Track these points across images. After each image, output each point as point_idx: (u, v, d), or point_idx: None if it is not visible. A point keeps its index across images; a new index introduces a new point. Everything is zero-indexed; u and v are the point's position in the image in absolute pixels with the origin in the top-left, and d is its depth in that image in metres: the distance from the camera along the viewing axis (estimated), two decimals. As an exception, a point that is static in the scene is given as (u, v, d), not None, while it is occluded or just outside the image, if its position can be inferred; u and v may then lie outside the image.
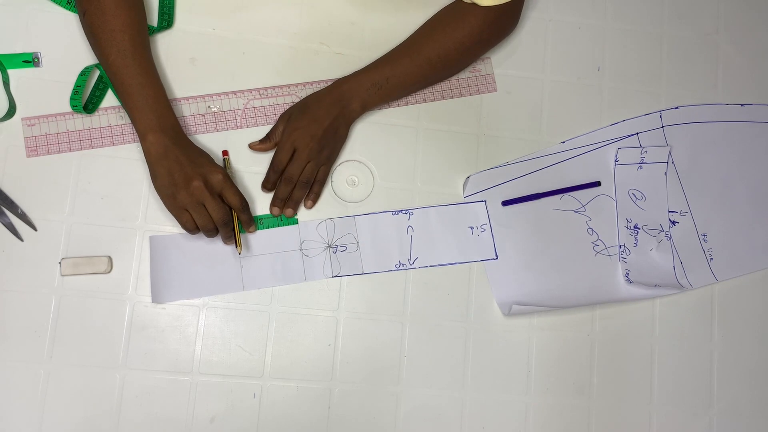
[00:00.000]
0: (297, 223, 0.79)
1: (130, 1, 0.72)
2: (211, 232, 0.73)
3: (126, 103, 0.72)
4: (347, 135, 0.81)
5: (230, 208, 0.74)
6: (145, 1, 0.79)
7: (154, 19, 0.80)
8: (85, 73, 0.78)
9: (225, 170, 0.73)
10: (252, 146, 0.79)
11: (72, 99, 0.77)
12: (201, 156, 0.73)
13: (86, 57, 0.78)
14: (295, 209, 0.79)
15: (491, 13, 0.77)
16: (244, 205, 0.74)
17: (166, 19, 0.80)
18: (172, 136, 0.72)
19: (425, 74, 0.80)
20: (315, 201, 0.80)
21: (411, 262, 0.80)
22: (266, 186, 0.79)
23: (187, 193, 0.71)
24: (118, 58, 0.71)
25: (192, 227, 0.73)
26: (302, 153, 0.77)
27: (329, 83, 0.81)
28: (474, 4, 0.76)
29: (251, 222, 0.76)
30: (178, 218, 0.73)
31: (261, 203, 0.79)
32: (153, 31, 0.80)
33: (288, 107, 0.80)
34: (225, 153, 0.79)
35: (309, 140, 0.76)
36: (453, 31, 0.78)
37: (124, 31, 0.71)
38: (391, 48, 0.80)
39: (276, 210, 0.78)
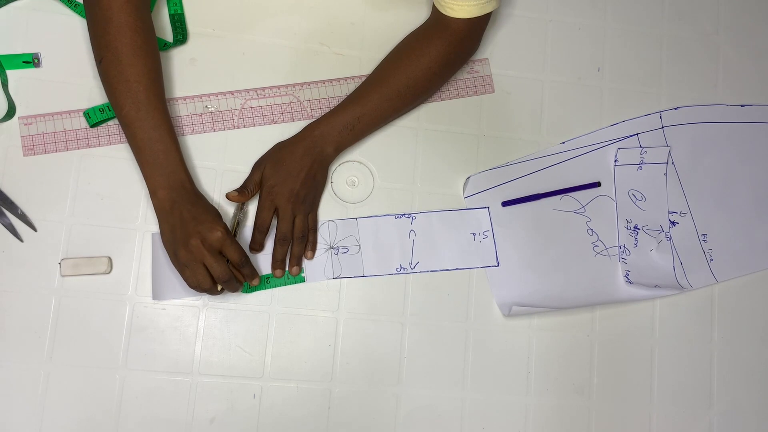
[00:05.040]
0: (304, 281, 0.78)
1: (147, 49, 0.70)
2: (211, 290, 0.71)
3: (137, 157, 0.71)
4: (326, 178, 0.80)
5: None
6: (154, 16, 0.79)
7: (167, 34, 0.80)
8: None
9: (225, 227, 0.70)
10: (229, 196, 0.75)
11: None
12: (205, 212, 0.70)
13: (87, 57, 0.78)
14: (300, 265, 0.78)
15: (456, 34, 0.76)
16: (244, 260, 0.72)
17: (181, 32, 0.80)
18: (181, 192, 0.70)
19: (396, 107, 0.79)
20: (314, 249, 0.79)
21: (412, 266, 0.80)
22: (254, 248, 0.77)
23: (186, 251, 0.69)
24: (132, 110, 0.69)
25: (194, 285, 0.70)
26: (286, 210, 0.76)
27: (328, 83, 0.81)
28: (439, 24, 0.75)
29: (254, 275, 0.73)
30: (182, 275, 0.71)
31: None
32: (169, 46, 0.79)
33: (282, 112, 0.80)
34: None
35: (288, 196, 0.75)
36: (419, 58, 0.77)
37: (140, 82, 0.69)
38: (387, 50, 0.80)
39: (279, 272, 0.77)
